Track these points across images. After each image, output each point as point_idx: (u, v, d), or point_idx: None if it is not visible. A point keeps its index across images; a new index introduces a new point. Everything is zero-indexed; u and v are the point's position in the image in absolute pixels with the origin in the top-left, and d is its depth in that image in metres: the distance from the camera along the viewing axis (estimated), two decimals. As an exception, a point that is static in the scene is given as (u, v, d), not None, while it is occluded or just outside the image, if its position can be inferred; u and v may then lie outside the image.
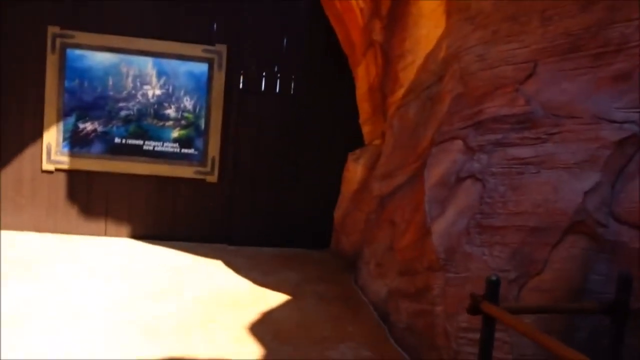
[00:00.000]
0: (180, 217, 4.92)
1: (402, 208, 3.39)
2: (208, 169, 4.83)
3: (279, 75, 4.97)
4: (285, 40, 4.94)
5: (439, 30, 3.44)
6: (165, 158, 4.75)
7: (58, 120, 4.61)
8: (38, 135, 4.68)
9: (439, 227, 2.78)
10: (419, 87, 3.65)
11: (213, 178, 4.86)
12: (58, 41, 4.56)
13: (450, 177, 2.89)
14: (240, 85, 4.85)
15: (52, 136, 4.61)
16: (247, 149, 4.93)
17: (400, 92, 3.88)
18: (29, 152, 4.68)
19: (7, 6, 4.55)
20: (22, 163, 4.71)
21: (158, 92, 4.67)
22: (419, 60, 3.63)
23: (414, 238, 3.05)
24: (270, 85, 4.93)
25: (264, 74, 4.93)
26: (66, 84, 4.59)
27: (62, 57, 4.56)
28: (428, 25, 3.57)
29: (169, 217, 4.91)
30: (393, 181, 3.72)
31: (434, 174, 3.00)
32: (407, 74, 3.80)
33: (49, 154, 4.64)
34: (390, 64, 4.06)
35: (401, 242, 3.23)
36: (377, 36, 4.14)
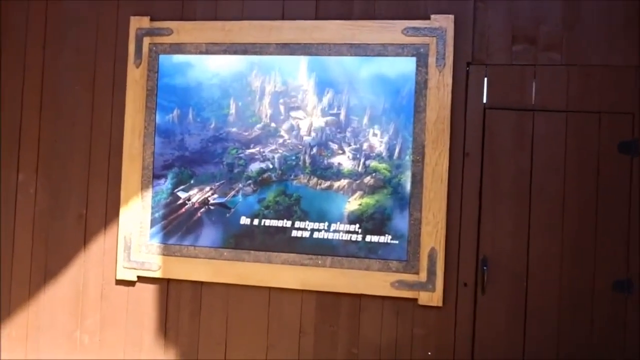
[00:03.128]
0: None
1: None
2: (421, 276, 2.30)
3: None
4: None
5: None
6: (332, 253, 2.37)
7: (144, 188, 2.56)
8: (109, 216, 2.63)
9: None
10: None
11: (433, 296, 2.30)
12: (146, 42, 2.57)
13: None
14: (484, 98, 2.32)
15: (134, 218, 2.56)
16: (510, 234, 2.29)
17: None
18: (94, 250, 2.63)
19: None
20: (79, 269, 2.66)
21: (319, 121, 2.42)
22: None
23: None
24: (558, 96, 2.30)
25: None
26: (158, 118, 2.56)
27: (153, 70, 2.56)
28: None
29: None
30: None
31: None
32: None
33: (127, 250, 2.57)
34: None
35: None
36: None
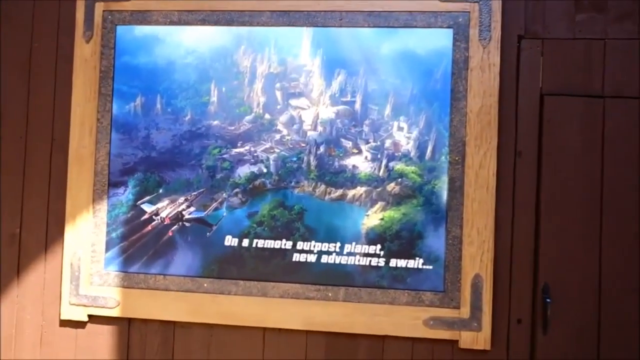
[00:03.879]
0: None
1: None
2: (462, 312, 1.77)
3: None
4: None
5: None
6: (346, 283, 1.83)
7: (97, 199, 1.95)
8: (51, 237, 2.02)
9: None
10: None
11: (479, 337, 1.76)
12: (99, 9, 1.95)
13: None
14: (541, 82, 1.79)
15: (83, 239, 1.95)
16: (578, 255, 1.77)
17: None
18: (31, 281, 2.01)
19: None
20: (11, 306, 2.02)
21: (328, 111, 1.87)
22: None
23: None
24: (635, 79, 1.74)
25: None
26: (115, 108, 1.96)
27: (108, 46, 1.95)
28: None
29: None
30: None
31: None
32: None
33: (75, 281, 1.96)
34: None
35: None
36: None
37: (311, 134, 1.91)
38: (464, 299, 1.83)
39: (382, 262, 1.87)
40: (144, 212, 1.97)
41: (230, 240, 1.92)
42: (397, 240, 1.86)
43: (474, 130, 1.83)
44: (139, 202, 1.97)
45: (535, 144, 1.83)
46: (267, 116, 1.94)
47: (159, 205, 1.97)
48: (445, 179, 1.84)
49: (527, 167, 1.83)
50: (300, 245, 1.90)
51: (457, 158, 1.84)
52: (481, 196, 1.82)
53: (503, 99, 1.83)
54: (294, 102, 1.93)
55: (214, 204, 1.94)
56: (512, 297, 1.83)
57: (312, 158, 1.91)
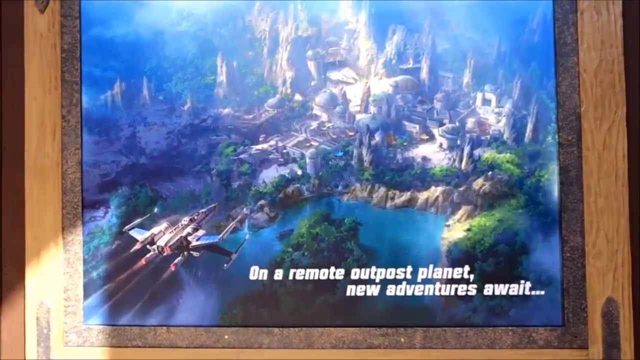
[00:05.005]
0: None
1: None
2: (593, 352, 1.25)
3: None
4: None
5: None
6: (424, 322, 1.31)
7: (68, 226, 1.39)
8: (9, 280, 1.44)
9: None
10: None
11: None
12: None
13: None
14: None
15: (51, 281, 1.39)
16: None
17: None
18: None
19: None
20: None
21: (383, 84, 1.35)
22: None
23: None
24: None
25: None
26: (85, 99, 1.41)
27: (72, 15, 1.39)
28: None
29: None
30: None
31: None
32: None
33: (44, 340, 1.39)
34: None
35: None
36: None
37: (361, 118, 1.39)
38: (593, 335, 1.31)
39: (472, 289, 1.34)
40: (135, 240, 1.42)
41: (257, 273, 1.40)
42: (492, 258, 1.33)
43: (592, 97, 1.33)
44: (126, 228, 1.44)
45: (675, 112, 1.37)
46: (297, 97, 1.41)
47: (155, 230, 1.43)
48: (554, 167, 1.33)
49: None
50: (355, 273, 1.37)
51: (570, 137, 1.33)
52: (608, 188, 1.31)
53: (629, 51, 1.35)
54: (334, 75, 1.41)
55: (232, 224, 1.41)
56: (660, 328, 1.36)
57: (364, 151, 1.39)
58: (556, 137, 1.33)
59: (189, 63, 1.43)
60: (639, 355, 1.31)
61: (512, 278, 1.33)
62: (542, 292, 1.32)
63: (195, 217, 1.43)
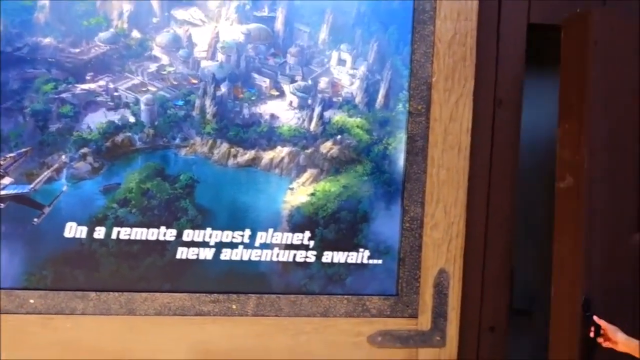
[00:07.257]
0: None
1: None
2: (422, 322, 1.28)
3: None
4: None
5: None
6: (259, 289, 1.26)
7: None
8: None
9: None
10: None
11: (441, 355, 1.29)
12: None
13: None
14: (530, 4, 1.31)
15: None
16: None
17: None
18: None
19: None
20: None
21: (234, 31, 1.22)
22: None
23: None
24: None
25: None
26: None
27: None
28: None
29: None
30: None
31: None
32: None
33: None
34: None
35: None
36: None
37: (207, 66, 1.26)
38: (423, 304, 1.34)
39: (311, 256, 1.31)
40: None
41: (74, 230, 1.23)
42: (334, 224, 1.30)
43: (444, 68, 1.32)
44: None
45: (518, 90, 1.42)
46: (135, 34, 1.24)
47: (-52, 173, 1.24)
48: (402, 136, 1.32)
49: (511, 118, 1.41)
50: (188, 235, 1.26)
51: (419, 107, 1.32)
52: (451, 161, 1.33)
53: (483, 26, 1.37)
54: (179, 13, 1.26)
55: (46, 173, 1.23)
56: (485, 300, 1.42)
57: (208, 102, 1.28)
58: (407, 105, 1.32)
59: (2, -23, 1.22)
60: (464, 325, 1.38)
61: (351, 246, 1.31)
62: (380, 261, 1.32)
63: (2, 162, 1.23)
